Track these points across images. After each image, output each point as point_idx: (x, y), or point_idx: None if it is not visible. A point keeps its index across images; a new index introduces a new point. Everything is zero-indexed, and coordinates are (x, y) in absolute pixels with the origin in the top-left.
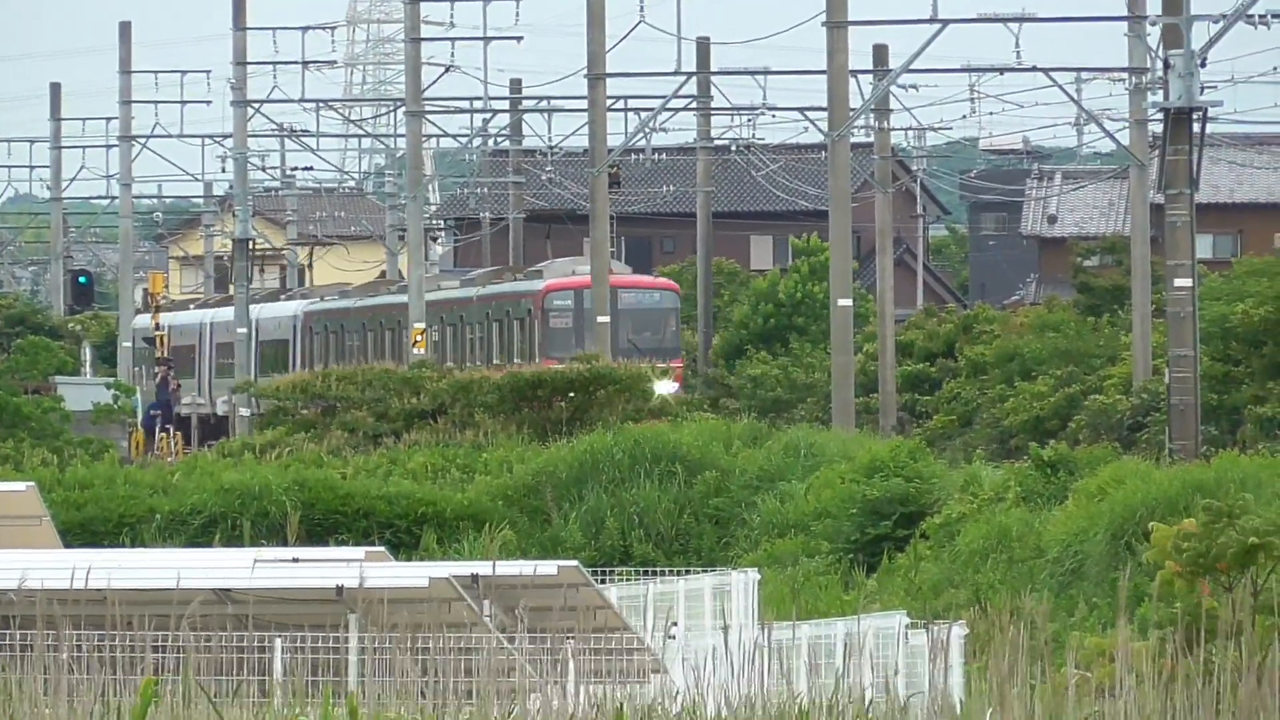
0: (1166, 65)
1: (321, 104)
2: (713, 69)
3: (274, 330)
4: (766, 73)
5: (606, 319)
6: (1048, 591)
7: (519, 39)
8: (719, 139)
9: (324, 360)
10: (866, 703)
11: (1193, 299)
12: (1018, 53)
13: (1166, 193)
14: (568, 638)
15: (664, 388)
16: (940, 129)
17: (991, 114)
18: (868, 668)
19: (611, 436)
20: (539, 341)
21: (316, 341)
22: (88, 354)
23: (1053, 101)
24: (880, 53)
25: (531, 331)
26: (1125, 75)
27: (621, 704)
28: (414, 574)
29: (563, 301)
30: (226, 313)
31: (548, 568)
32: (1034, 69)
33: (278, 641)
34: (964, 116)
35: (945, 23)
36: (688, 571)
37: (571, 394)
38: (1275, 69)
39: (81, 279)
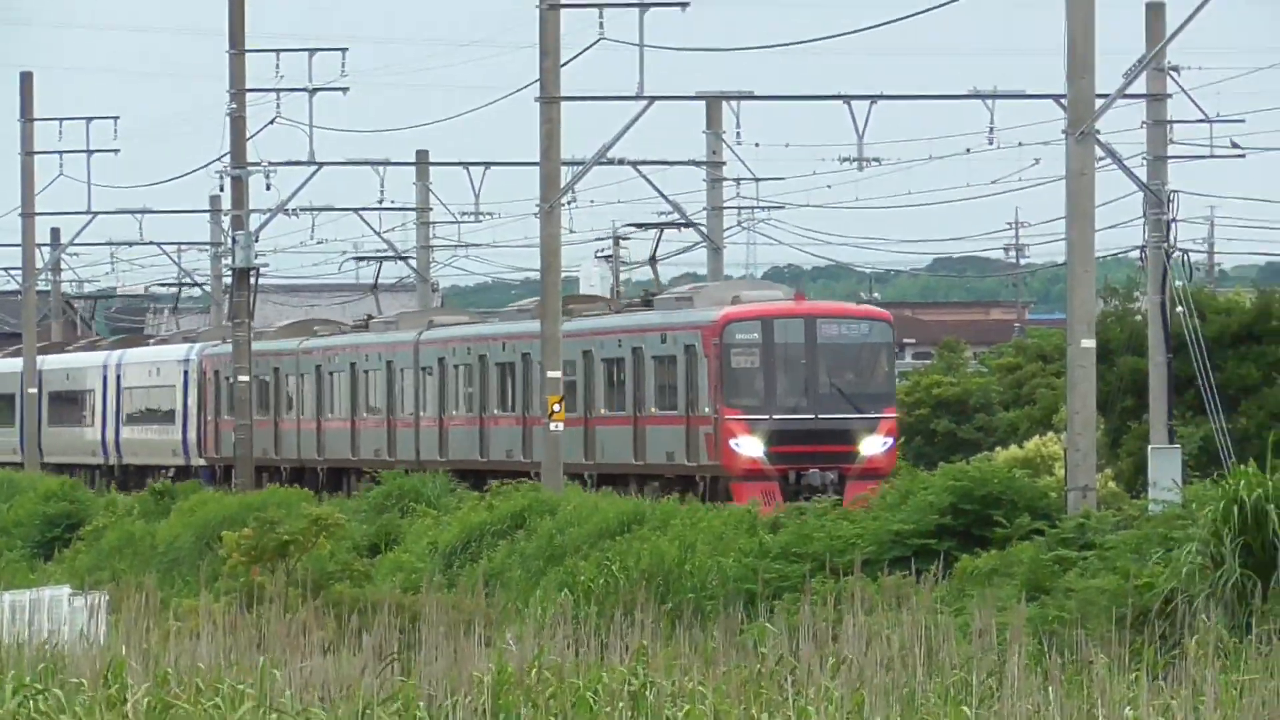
0: (234, 241)
1: None
2: None
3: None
4: None
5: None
6: (159, 572)
7: None
8: None
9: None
10: (49, 646)
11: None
12: None
13: (234, 321)
14: None
15: (872, 446)
16: None
17: None
18: (46, 621)
19: None
20: (717, 385)
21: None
22: None
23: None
24: None
25: (695, 374)
26: (208, 246)
27: None
28: None
29: (747, 335)
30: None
31: None
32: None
33: None
34: None
35: None
36: None
37: None
38: (302, 244)
39: None
